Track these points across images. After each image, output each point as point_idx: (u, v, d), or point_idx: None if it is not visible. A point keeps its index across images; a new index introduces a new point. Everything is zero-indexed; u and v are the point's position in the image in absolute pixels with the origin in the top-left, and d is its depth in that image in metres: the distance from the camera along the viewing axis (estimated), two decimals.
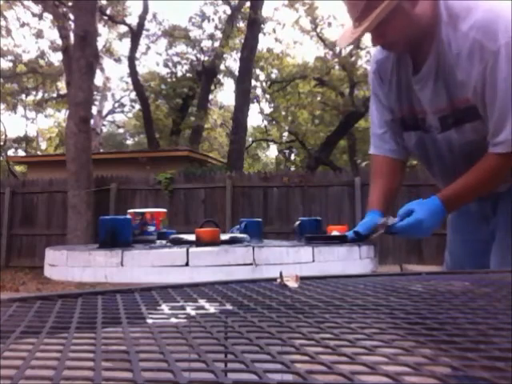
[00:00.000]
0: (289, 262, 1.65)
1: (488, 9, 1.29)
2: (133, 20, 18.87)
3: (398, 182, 1.63)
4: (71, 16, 12.74)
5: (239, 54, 14.87)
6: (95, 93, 16.46)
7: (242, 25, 16.61)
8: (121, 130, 29.51)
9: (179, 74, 18.45)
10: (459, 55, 1.29)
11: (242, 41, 15.12)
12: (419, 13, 1.34)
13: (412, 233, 1.40)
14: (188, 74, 18.10)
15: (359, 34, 1.35)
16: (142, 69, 28.93)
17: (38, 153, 24.54)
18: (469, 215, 1.60)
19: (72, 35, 10.98)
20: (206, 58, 17.60)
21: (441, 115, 1.40)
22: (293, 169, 19.78)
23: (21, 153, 24.96)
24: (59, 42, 15.49)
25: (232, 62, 19.48)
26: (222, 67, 18.38)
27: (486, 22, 1.26)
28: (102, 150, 17.78)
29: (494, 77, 1.24)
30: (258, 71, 18.81)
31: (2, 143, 23.02)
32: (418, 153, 1.56)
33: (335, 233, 1.92)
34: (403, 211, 1.39)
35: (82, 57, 8.96)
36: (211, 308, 0.68)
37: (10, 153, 24.64)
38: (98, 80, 21.34)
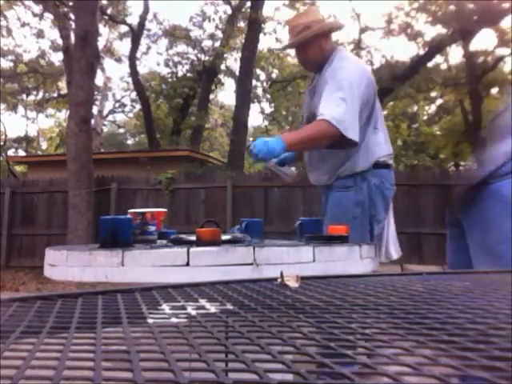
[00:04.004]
0: (289, 261, 1.65)
1: (341, 65, 2.17)
2: (133, 20, 18.92)
3: None
4: (72, 16, 12.75)
5: (240, 54, 14.87)
6: (96, 93, 16.47)
7: (242, 25, 16.61)
8: (121, 130, 29.51)
9: (180, 73, 18.45)
10: (321, 80, 2.22)
11: (243, 41, 15.12)
12: (327, 50, 2.24)
13: (258, 152, 2.02)
14: (189, 74, 18.09)
15: (289, 43, 2.31)
16: (142, 69, 28.99)
17: (39, 153, 24.53)
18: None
19: (73, 35, 10.99)
20: (207, 58, 17.59)
21: (309, 118, 2.27)
22: (293, 169, 19.74)
23: (21, 153, 24.96)
24: (60, 41, 15.49)
25: (232, 61, 19.44)
26: (223, 67, 18.37)
27: (334, 69, 2.18)
28: (102, 150, 17.78)
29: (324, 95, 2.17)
30: (258, 71, 18.81)
31: (2, 143, 23.02)
32: None
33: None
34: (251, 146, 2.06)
35: (82, 57, 8.95)
36: (212, 308, 0.68)
37: (11, 153, 24.64)
38: (99, 80, 21.35)
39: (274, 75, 20.04)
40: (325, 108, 2.07)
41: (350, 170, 2.20)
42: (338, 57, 2.23)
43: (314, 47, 2.24)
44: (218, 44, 17.13)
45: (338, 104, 2.05)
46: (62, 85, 19.30)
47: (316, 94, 2.24)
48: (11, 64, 19.48)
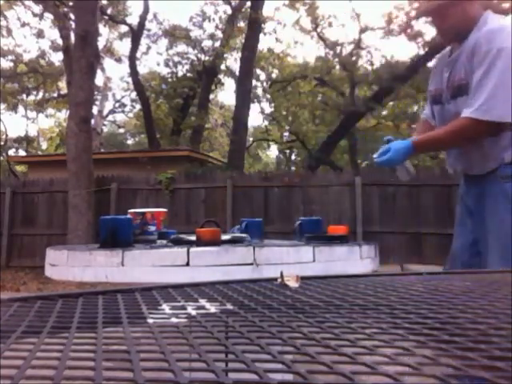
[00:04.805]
0: (289, 261, 1.65)
1: (501, 26, 1.85)
2: (133, 20, 18.90)
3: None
4: (72, 16, 12.75)
5: (240, 54, 14.86)
6: (96, 93, 16.45)
7: (242, 24, 16.60)
8: (121, 130, 29.49)
9: (180, 73, 18.43)
10: (468, 47, 1.85)
11: (243, 41, 15.12)
12: (471, 15, 1.89)
13: (386, 164, 1.92)
14: (189, 74, 18.07)
15: (423, 8, 1.98)
16: (142, 69, 28.99)
17: (39, 153, 24.52)
18: (462, 206, 2.02)
19: (73, 35, 10.99)
20: (207, 58, 17.58)
21: (450, 89, 1.94)
22: (293, 169, 19.76)
23: (21, 153, 24.92)
24: (60, 41, 15.48)
25: (233, 61, 19.43)
26: (223, 67, 18.36)
27: (491, 31, 1.82)
28: (102, 150, 17.77)
29: (484, 64, 1.79)
30: (258, 71, 18.80)
31: (2, 143, 23.01)
32: (437, 119, 2.08)
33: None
34: (383, 149, 1.91)
35: (82, 57, 8.95)
36: (212, 308, 0.68)
37: (11, 153, 24.60)
38: (99, 80, 21.32)
39: (274, 75, 20.04)
40: (473, 98, 1.80)
41: None
42: (490, 22, 1.88)
43: (455, 12, 1.89)
44: (218, 44, 17.11)
45: (488, 87, 1.77)
46: (62, 85, 19.28)
47: (457, 67, 1.91)
48: (11, 64, 19.47)
